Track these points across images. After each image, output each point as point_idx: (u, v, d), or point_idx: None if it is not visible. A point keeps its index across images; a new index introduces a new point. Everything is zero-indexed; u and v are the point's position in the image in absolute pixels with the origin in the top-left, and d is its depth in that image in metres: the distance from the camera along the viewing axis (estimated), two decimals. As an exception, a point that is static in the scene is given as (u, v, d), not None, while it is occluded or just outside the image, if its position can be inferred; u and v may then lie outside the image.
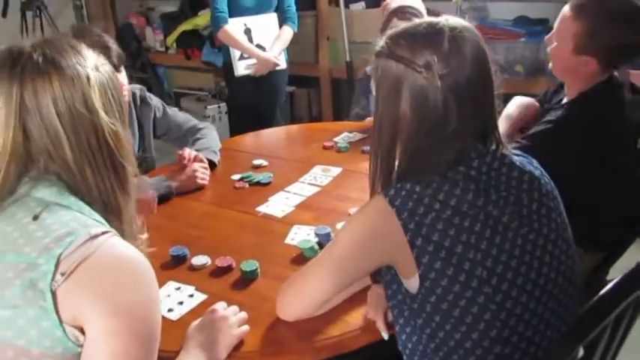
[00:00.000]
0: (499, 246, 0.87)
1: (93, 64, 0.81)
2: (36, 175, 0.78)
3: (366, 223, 0.94)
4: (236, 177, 1.75)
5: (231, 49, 2.77)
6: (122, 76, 1.56)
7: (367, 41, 3.39)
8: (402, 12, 2.09)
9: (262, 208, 1.55)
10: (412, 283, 0.89)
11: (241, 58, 2.79)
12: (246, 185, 1.70)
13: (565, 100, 1.49)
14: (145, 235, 0.90)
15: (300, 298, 1.02)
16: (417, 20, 0.94)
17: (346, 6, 3.25)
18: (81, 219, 0.76)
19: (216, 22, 2.70)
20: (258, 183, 1.71)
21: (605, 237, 1.41)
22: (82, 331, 0.72)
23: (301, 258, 1.29)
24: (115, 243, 0.75)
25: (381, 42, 0.95)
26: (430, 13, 2.22)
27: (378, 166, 0.96)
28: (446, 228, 0.86)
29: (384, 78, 0.93)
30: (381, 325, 1.03)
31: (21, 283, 0.69)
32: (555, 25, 1.44)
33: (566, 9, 1.39)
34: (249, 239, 1.39)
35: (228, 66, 2.86)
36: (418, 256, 0.87)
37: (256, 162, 1.86)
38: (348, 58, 3.31)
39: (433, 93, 0.88)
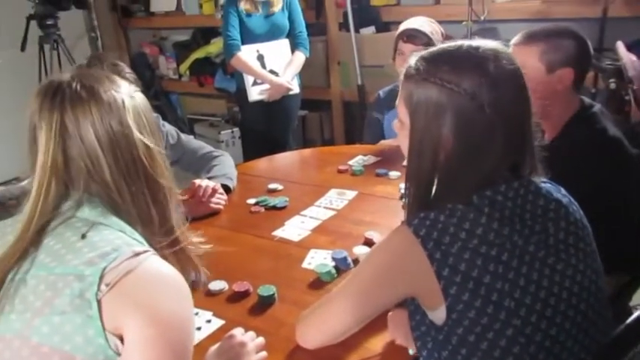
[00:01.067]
0: (526, 276, 0.84)
1: (127, 91, 0.87)
2: (78, 197, 0.83)
3: (390, 254, 0.91)
4: (251, 201, 1.75)
5: (245, 76, 2.81)
6: None
7: (379, 65, 3.44)
8: (408, 35, 2.09)
9: (278, 232, 1.54)
10: (438, 315, 0.86)
11: (255, 83, 2.83)
12: (262, 209, 1.70)
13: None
14: (196, 239, 0.96)
15: (321, 328, 1.00)
16: (451, 42, 0.92)
17: (356, 31, 3.28)
18: (124, 238, 0.81)
19: (229, 50, 2.75)
20: (273, 207, 1.71)
21: (626, 257, 1.38)
22: (122, 339, 0.76)
23: (318, 282, 1.29)
24: (155, 261, 0.80)
25: (414, 65, 0.91)
26: (445, 37, 2.23)
27: (415, 192, 0.93)
28: (473, 258, 0.83)
29: (424, 103, 0.89)
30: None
31: (70, 292, 0.74)
32: None
33: (515, 47, 1.43)
34: (266, 264, 1.39)
35: (241, 92, 2.90)
36: (445, 288, 0.83)
37: (271, 186, 1.87)
38: (359, 82, 3.34)
39: (480, 118, 0.86)
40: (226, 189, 1.79)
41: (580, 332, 0.87)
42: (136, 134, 0.84)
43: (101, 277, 0.75)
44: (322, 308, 1.00)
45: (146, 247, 0.82)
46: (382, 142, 2.26)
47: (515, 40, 1.45)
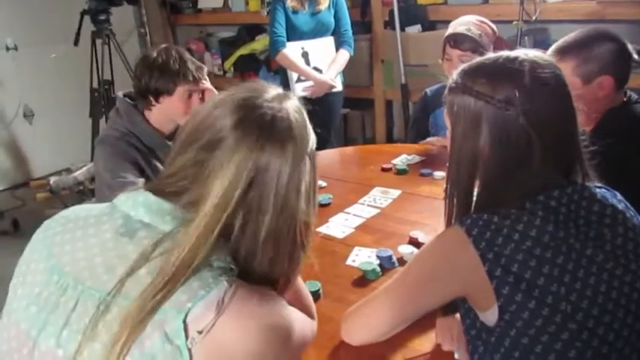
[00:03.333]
0: (583, 280, 0.83)
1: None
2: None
3: (440, 253, 0.91)
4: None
5: (289, 72, 2.83)
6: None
7: (423, 64, 3.40)
8: (455, 40, 2.04)
9: (323, 229, 1.55)
10: (489, 316, 0.86)
11: (299, 80, 2.85)
12: (306, 206, 1.71)
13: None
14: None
15: (367, 325, 1.00)
16: (491, 54, 0.94)
17: (402, 29, 3.26)
18: (214, 270, 0.72)
19: (275, 46, 2.78)
20: (318, 204, 1.71)
21: None
22: None
23: (363, 280, 1.29)
24: (244, 292, 0.72)
25: (455, 77, 0.95)
26: (494, 37, 2.18)
27: (455, 203, 0.95)
28: (526, 259, 0.82)
29: (462, 114, 0.92)
30: (463, 353, 0.99)
31: (159, 337, 0.67)
32: None
33: None
34: (311, 260, 1.39)
35: (285, 88, 2.92)
36: (497, 288, 0.83)
37: (315, 183, 1.87)
38: (403, 81, 3.31)
39: (514, 129, 0.87)
40: None
41: (639, 340, 0.85)
42: (302, 205, 0.76)
43: (185, 321, 0.67)
44: (368, 306, 1.00)
45: (232, 274, 0.73)
46: (426, 140, 2.24)
47: (548, 53, 1.42)
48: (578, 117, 0.93)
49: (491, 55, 0.94)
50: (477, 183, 0.93)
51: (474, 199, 0.94)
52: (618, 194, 0.96)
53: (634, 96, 1.47)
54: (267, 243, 0.75)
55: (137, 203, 0.75)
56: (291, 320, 0.77)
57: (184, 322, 0.67)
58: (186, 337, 0.67)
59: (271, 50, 2.87)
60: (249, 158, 0.72)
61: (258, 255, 0.75)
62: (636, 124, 1.41)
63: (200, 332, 0.67)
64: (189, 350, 0.67)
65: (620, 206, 0.92)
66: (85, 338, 0.68)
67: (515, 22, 2.76)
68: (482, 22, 2.10)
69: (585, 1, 2.79)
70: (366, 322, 1.00)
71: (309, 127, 0.80)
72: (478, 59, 0.96)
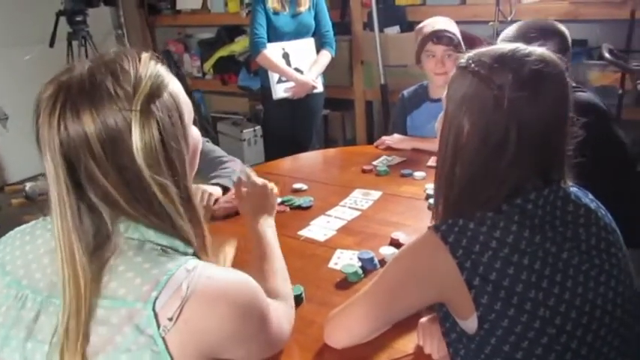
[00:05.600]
0: (561, 284, 0.83)
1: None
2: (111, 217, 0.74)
3: (417, 258, 0.91)
4: (277, 201, 1.76)
5: (270, 73, 2.83)
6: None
7: (402, 64, 3.42)
8: (438, 36, 2.10)
9: (304, 232, 1.55)
10: (469, 324, 0.86)
11: (280, 81, 2.85)
12: (287, 209, 1.71)
13: None
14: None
15: (348, 328, 1.01)
16: (508, 44, 0.92)
17: (381, 30, 3.28)
18: (168, 253, 0.74)
19: (256, 47, 2.77)
20: (299, 207, 1.72)
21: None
22: None
23: (345, 282, 1.29)
24: (206, 272, 0.72)
25: (467, 57, 0.93)
26: (464, 36, 2.22)
27: (440, 185, 0.94)
28: (504, 267, 0.82)
29: (456, 90, 0.91)
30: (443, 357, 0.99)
31: (130, 330, 0.68)
32: None
33: None
34: (293, 263, 1.39)
35: (265, 90, 2.92)
36: (476, 297, 0.82)
37: (296, 186, 1.87)
38: (382, 81, 3.33)
39: (497, 114, 0.85)
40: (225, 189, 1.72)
41: (616, 338, 0.87)
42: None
43: (154, 309, 0.68)
44: (349, 309, 1.01)
45: (189, 255, 0.76)
46: (381, 139, 2.26)
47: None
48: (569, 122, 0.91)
49: (506, 44, 0.92)
50: (458, 167, 0.91)
51: (452, 192, 0.92)
52: (589, 194, 0.97)
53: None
54: (140, 212, 0.72)
55: None
56: (262, 299, 0.78)
57: (154, 310, 0.68)
58: (158, 325, 0.67)
59: (252, 51, 2.86)
60: (51, 137, 0.68)
61: (146, 222, 0.73)
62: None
63: (170, 319, 0.68)
64: (163, 339, 0.68)
65: (593, 205, 0.94)
66: (52, 346, 0.69)
67: (491, 23, 2.79)
68: (450, 21, 2.18)
69: (559, 2, 2.84)
70: (347, 326, 1.01)
71: (134, 79, 0.71)
72: (494, 45, 0.94)
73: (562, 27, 1.53)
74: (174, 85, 0.76)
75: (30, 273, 0.74)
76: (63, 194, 0.69)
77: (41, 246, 0.76)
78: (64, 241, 0.69)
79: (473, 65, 0.89)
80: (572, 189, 0.93)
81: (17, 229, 0.82)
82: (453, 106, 0.91)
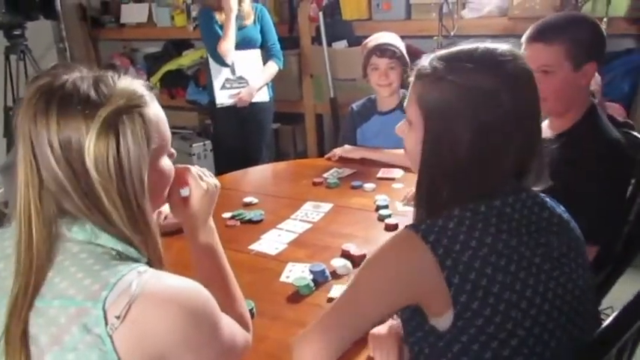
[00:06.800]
0: (533, 288, 0.84)
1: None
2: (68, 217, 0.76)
3: (396, 259, 0.88)
4: (227, 215, 1.74)
5: (213, 81, 2.82)
6: None
7: (351, 78, 3.47)
8: (381, 49, 2.16)
9: (255, 246, 1.54)
10: (442, 322, 0.85)
11: (223, 87, 2.85)
12: (238, 223, 1.70)
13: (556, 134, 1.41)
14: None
15: (319, 348, 0.92)
16: (467, 44, 0.90)
17: (329, 44, 3.32)
18: (121, 258, 0.75)
19: (213, 47, 2.77)
20: (249, 221, 1.70)
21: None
22: None
23: (297, 296, 1.29)
24: (155, 277, 0.73)
25: (428, 63, 0.89)
26: (410, 50, 2.29)
27: (425, 194, 0.91)
28: (483, 267, 0.82)
29: (440, 103, 0.87)
30: None
31: (77, 329, 0.69)
32: (535, 66, 1.26)
33: (534, 45, 1.34)
34: (244, 278, 1.36)
35: (214, 103, 2.90)
36: (455, 295, 0.82)
37: (247, 199, 1.86)
38: (332, 95, 3.37)
39: (498, 119, 0.84)
40: None
41: (574, 343, 0.87)
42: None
43: (104, 309, 0.68)
44: (319, 326, 0.94)
45: (141, 262, 0.77)
46: (332, 152, 2.29)
47: (530, 36, 1.36)
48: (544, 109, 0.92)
49: (466, 44, 0.90)
50: (444, 172, 0.89)
51: (436, 190, 0.90)
52: (561, 205, 0.97)
53: (595, 102, 1.43)
54: (95, 214, 0.74)
55: None
56: (214, 308, 0.78)
57: (103, 310, 0.68)
58: (106, 324, 0.68)
59: (211, 48, 2.80)
60: (25, 135, 0.73)
61: (101, 225, 0.75)
62: (612, 150, 1.34)
63: (117, 317, 0.68)
64: (111, 337, 0.68)
65: (565, 216, 0.95)
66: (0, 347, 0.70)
67: (435, 37, 2.88)
68: (395, 36, 2.24)
69: (498, 18, 2.96)
70: (317, 344, 0.92)
71: (100, 91, 0.74)
72: (453, 48, 0.90)
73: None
74: (150, 111, 0.78)
75: None
76: (28, 172, 0.73)
77: None
78: (24, 218, 0.73)
79: (449, 73, 0.86)
80: (547, 198, 0.94)
81: None
82: (443, 118, 0.87)
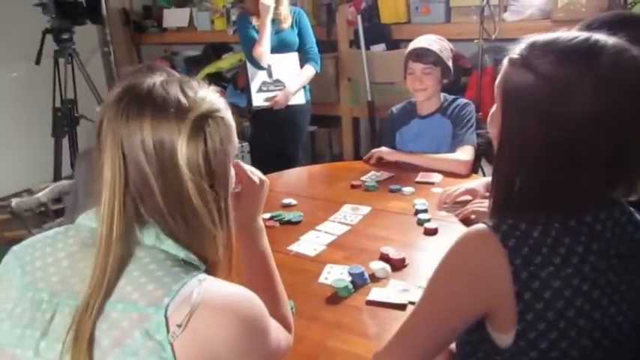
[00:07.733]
0: (612, 317, 0.77)
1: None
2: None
3: (470, 256, 0.80)
4: (266, 216, 1.76)
5: (251, 83, 2.86)
6: None
7: (389, 81, 3.45)
8: (417, 54, 2.14)
9: (294, 247, 1.55)
10: (504, 338, 0.78)
11: (259, 90, 2.88)
12: (277, 224, 1.71)
13: None
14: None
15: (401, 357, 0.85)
16: (566, 32, 0.81)
17: (367, 48, 3.32)
18: (183, 265, 0.76)
19: (249, 51, 2.82)
20: (288, 222, 1.72)
21: None
22: None
23: (335, 297, 1.29)
24: (216, 286, 0.74)
25: (518, 49, 0.82)
26: (453, 53, 2.26)
27: (497, 188, 0.84)
28: (562, 288, 0.75)
29: (518, 91, 0.80)
30: None
31: (139, 334, 0.69)
32: None
33: None
34: (283, 278, 1.37)
35: (252, 106, 2.94)
36: (522, 312, 0.75)
37: (285, 201, 1.88)
38: (369, 98, 3.37)
39: (572, 117, 0.75)
40: None
41: None
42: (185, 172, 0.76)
43: (166, 316, 0.69)
44: (396, 338, 0.87)
45: (201, 269, 0.78)
46: (371, 151, 2.28)
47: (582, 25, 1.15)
48: None
49: (565, 32, 0.81)
50: (523, 171, 0.81)
51: (516, 189, 0.82)
52: None
53: None
54: (174, 215, 0.76)
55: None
56: (265, 316, 0.80)
57: (165, 316, 0.69)
58: (168, 331, 0.69)
59: (248, 50, 2.85)
60: (115, 135, 0.74)
61: (173, 229, 0.76)
62: None
63: (179, 326, 0.69)
64: (171, 345, 0.69)
65: None
66: (65, 346, 0.71)
67: (476, 41, 2.85)
68: (440, 38, 2.20)
69: (541, 21, 2.91)
70: (399, 356, 0.85)
71: (188, 95, 0.77)
72: (551, 34, 0.81)
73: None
74: (228, 115, 0.82)
75: (48, 276, 0.77)
76: (116, 171, 0.73)
77: (61, 250, 0.79)
78: (107, 218, 0.73)
79: (532, 61, 0.78)
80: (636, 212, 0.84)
81: (41, 234, 0.85)
82: (516, 107, 0.81)
